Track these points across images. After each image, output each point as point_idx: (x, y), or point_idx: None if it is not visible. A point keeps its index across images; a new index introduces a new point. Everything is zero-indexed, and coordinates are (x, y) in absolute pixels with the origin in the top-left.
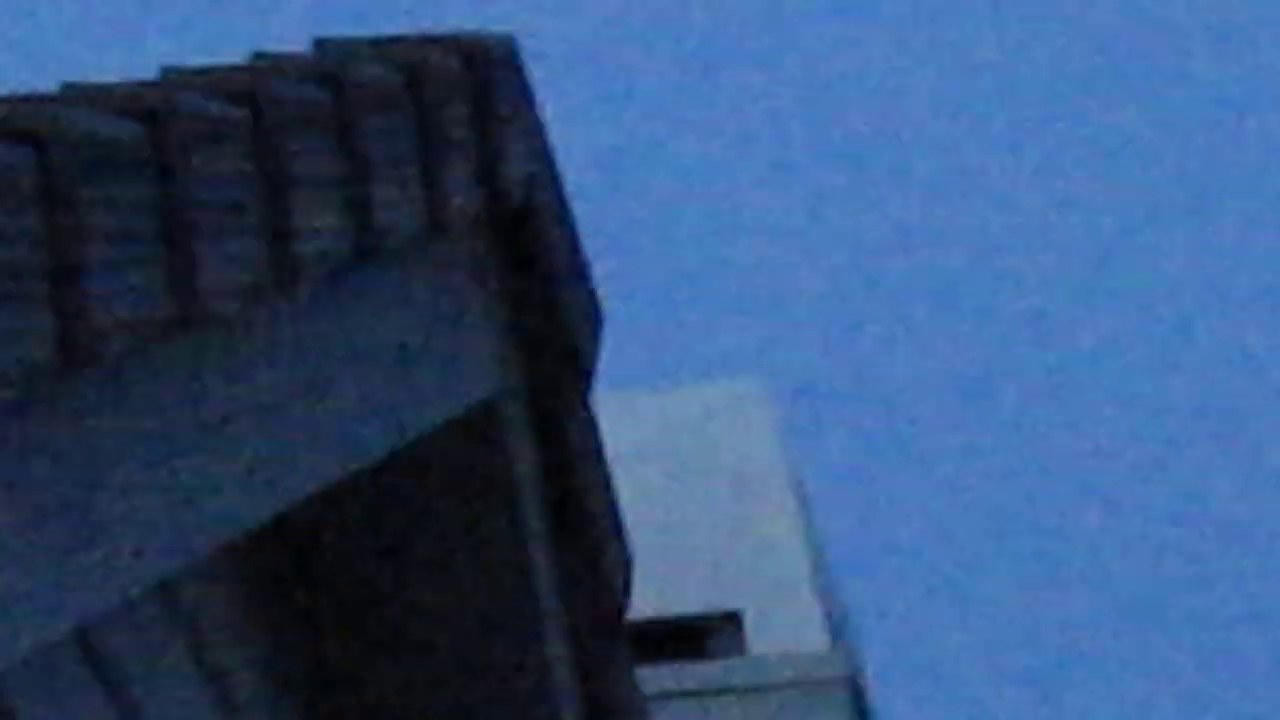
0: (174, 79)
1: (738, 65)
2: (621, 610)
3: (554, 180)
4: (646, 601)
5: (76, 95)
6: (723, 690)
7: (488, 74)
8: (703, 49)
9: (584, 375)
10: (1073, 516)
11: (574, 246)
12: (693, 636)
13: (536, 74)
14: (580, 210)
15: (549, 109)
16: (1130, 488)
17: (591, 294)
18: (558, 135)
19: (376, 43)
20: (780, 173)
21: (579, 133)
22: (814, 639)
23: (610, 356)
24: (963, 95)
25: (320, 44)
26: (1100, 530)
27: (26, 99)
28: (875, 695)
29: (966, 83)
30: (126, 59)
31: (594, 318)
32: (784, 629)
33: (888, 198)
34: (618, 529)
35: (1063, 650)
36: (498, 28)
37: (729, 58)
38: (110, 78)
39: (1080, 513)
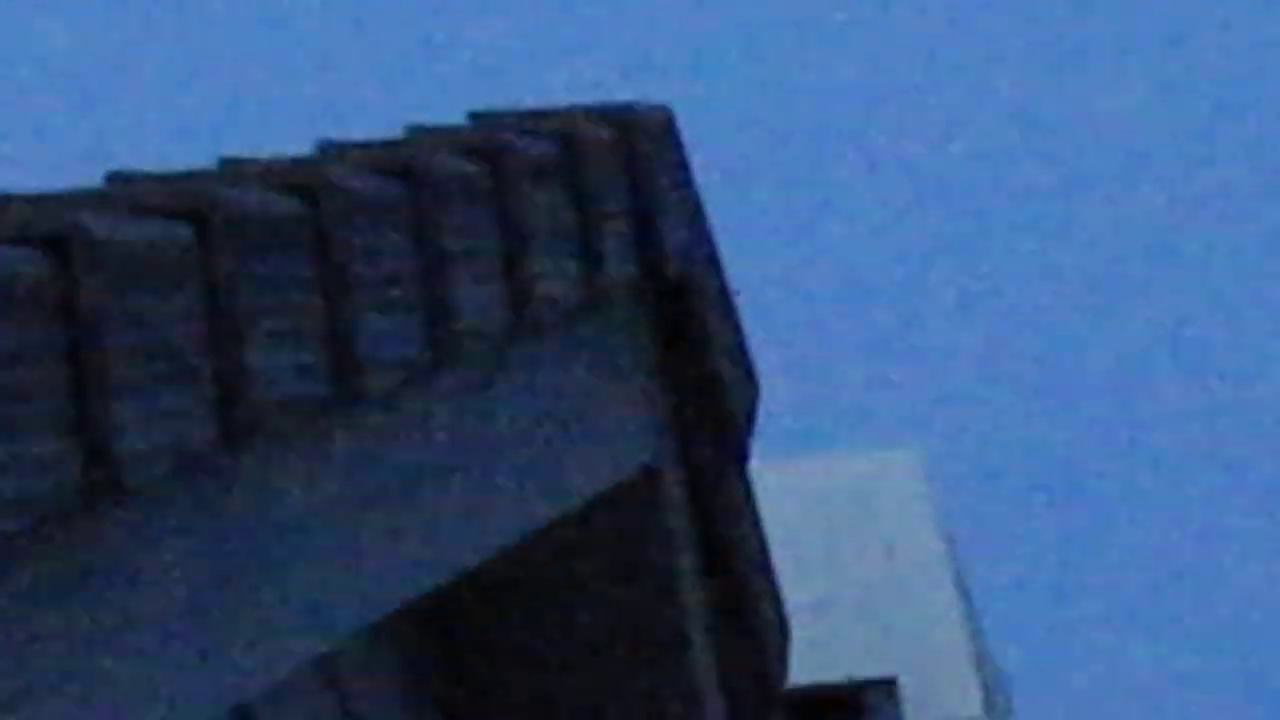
0: (330, 153)
1: (895, 130)
2: (779, 679)
3: (710, 250)
4: (802, 669)
5: (234, 172)
6: None
7: (643, 145)
8: (859, 108)
9: (740, 445)
10: (1254, 584)
11: (730, 316)
12: (849, 704)
13: (690, 144)
14: (736, 279)
15: (704, 178)
16: None
17: (748, 364)
18: (712, 204)
19: (531, 114)
20: (938, 240)
21: (731, 200)
22: (969, 706)
23: (764, 424)
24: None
25: (476, 116)
26: None
27: (185, 176)
28: None
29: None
30: (279, 133)
31: (750, 387)
32: (940, 696)
33: (1056, 262)
34: (775, 596)
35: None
36: (648, 97)
37: (884, 119)
38: (265, 153)
39: (1264, 581)
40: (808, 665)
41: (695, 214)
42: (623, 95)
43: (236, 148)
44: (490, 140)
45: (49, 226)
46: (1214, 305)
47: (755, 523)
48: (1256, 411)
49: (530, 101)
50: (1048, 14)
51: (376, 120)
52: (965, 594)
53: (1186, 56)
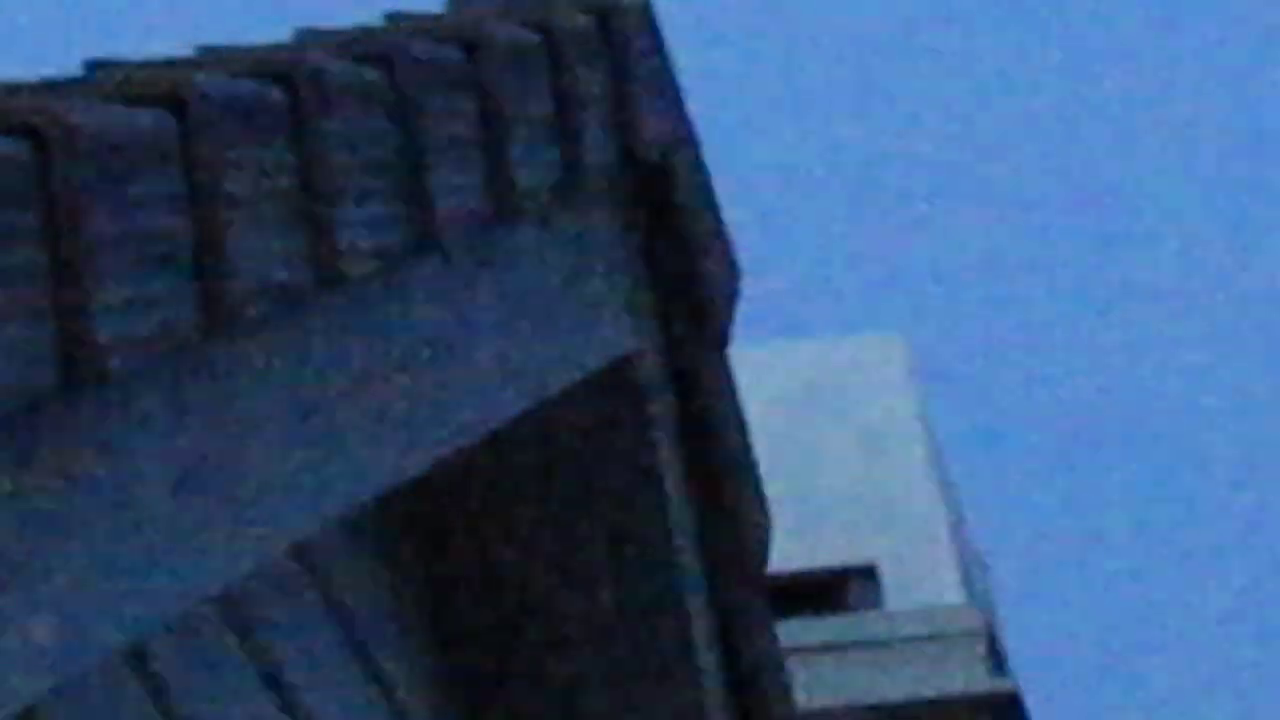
0: (309, 41)
1: (882, 30)
2: (761, 565)
3: (690, 136)
4: (782, 555)
5: (214, 58)
6: (858, 644)
7: (622, 32)
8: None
9: (721, 330)
10: (1216, 484)
11: (710, 202)
12: (828, 590)
13: (672, 31)
14: (722, 165)
15: (687, 64)
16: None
17: (728, 249)
18: (696, 91)
19: (510, 1)
20: (922, 130)
21: (717, 87)
22: (950, 592)
23: (748, 309)
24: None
25: (455, 3)
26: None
27: (165, 63)
28: (1011, 648)
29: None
30: (257, 21)
31: (731, 273)
32: (920, 582)
33: (1040, 154)
34: (756, 484)
35: (1201, 603)
36: None
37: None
38: (245, 40)
39: (1215, 467)
40: (788, 552)
41: (674, 101)
42: None
43: (215, 36)
44: (469, 27)
45: (28, 115)
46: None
47: (736, 410)
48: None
49: None
50: None
51: (355, 9)
52: (945, 479)
53: None
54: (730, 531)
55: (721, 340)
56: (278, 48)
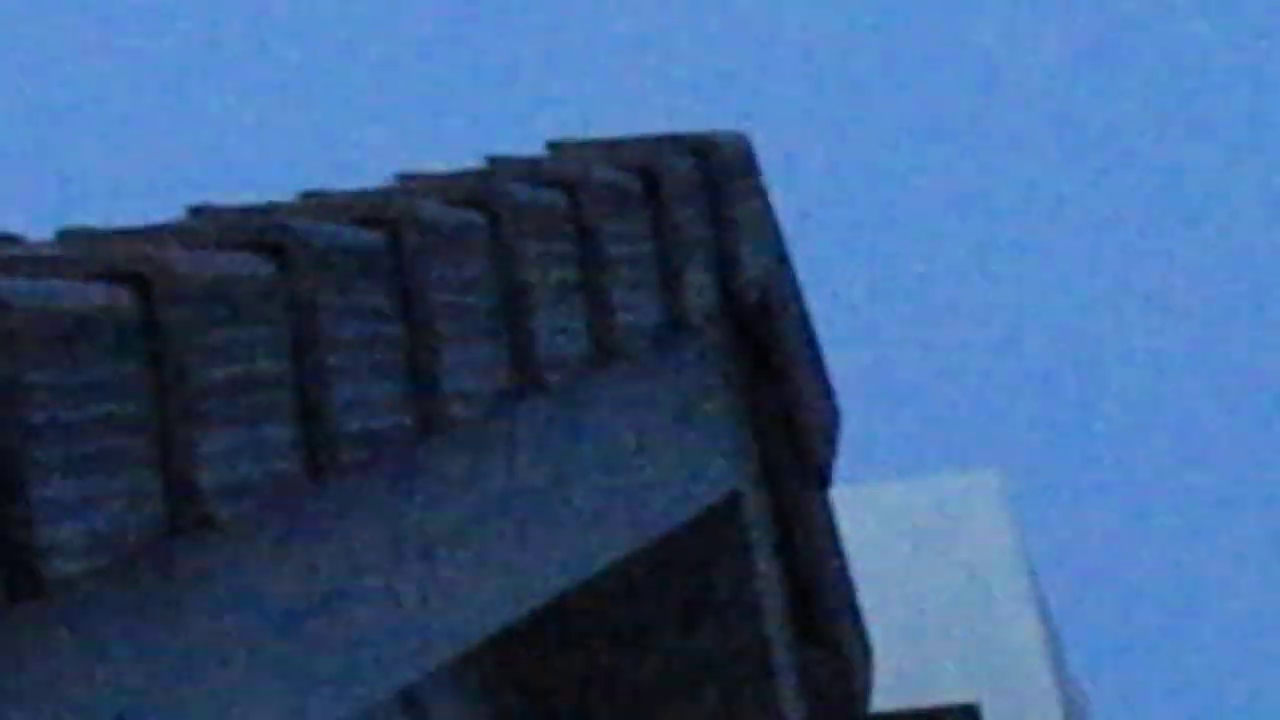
0: (410, 185)
1: (970, 149)
2: (863, 704)
3: (790, 276)
4: (884, 694)
5: (314, 203)
6: None
7: (722, 173)
8: (933, 136)
9: (822, 471)
10: None
11: (811, 342)
12: None
13: (769, 169)
14: (821, 302)
15: (784, 203)
16: None
17: (828, 388)
18: (792, 229)
19: (609, 143)
20: (1024, 258)
21: (807, 220)
22: None
23: (846, 447)
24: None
25: (554, 146)
26: None
27: (266, 209)
28: None
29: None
30: (358, 164)
31: (831, 412)
32: None
33: (1143, 287)
34: (858, 624)
35: None
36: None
37: (957, 139)
38: (346, 185)
39: None
40: (890, 690)
41: (775, 240)
42: (701, 123)
43: (316, 181)
44: (569, 170)
45: (132, 262)
46: None
47: (838, 549)
48: None
49: (608, 130)
50: None
51: (455, 152)
52: (1047, 618)
53: None
54: (833, 670)
55: (823, 480)
56: (378, 192)
